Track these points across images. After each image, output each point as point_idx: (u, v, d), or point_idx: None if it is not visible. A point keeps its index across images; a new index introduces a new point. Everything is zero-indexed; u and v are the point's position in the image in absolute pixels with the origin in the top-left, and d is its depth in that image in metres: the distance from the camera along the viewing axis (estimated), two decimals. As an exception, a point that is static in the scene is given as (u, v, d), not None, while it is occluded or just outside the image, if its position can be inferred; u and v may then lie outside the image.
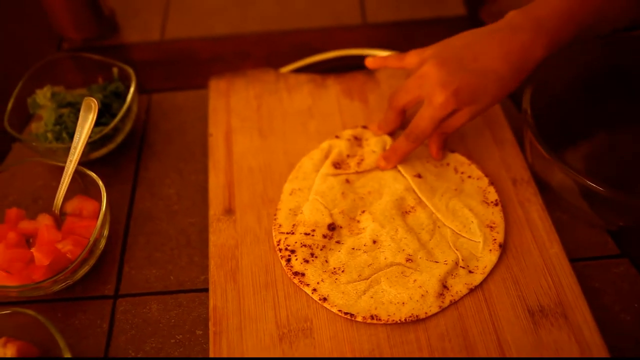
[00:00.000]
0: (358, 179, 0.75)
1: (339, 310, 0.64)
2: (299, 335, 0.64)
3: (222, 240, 0.71)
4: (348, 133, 0.79)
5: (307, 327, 0.64)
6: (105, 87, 0.85)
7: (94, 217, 0.75)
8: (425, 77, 0.70)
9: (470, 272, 0.66)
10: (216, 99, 0.86)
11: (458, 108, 0.70)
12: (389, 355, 0.62)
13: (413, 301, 0.64)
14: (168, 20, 1.04)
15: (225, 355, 0.62)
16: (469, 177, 0.74)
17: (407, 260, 0.67)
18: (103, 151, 0.82)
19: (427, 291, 0.65)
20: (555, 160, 0.67)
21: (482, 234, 0.68)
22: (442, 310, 0.64)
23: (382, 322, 0.63)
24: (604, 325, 0.63)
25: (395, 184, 0.74)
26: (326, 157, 0.77)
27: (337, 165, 0.75)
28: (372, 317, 0.64)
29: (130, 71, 0.84)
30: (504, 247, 0.68)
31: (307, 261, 0.68)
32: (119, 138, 0.82)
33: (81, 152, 0.74)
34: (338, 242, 0.70)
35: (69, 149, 0.77)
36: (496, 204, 0.71)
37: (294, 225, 0.71)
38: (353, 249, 0.69)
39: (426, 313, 0.64)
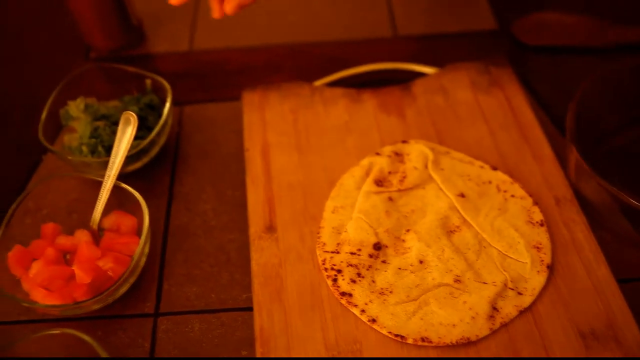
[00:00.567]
0: (400, 197, 0.74)
1: (389, 332, 0.64)
2: (348, 358, 0.63)
3: (265, 258, 0.71)
4: (388, 149, 0.78)
5: (356, 349, 0.63)
6: (139, 100, 0.84)
7: (132, 233, 0.74)
8: None
9: (519, 293, 0.66)
10: (250, 112, 0.85)
11: None
12: (441, 379, 0.61)
13: (464, 323, 0.64)
14: (196, 30, 1.03)
15: (275, 378, 0.62)
16: (512, 196, 0.74)
17: (455, 281, 0.67)
18: (137, 165, 0.81)
19: (477, 313, 0.64)
20: (602, 180, 0.67)
21: (529, 255, 0.68)
22: (493, 332, 0.64)
23: (433, 344, 0.63)
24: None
25: (438, 202, 0.73)
26: (367, 174, 0.76)
27: (379, 182, 0.75)
28: (422, 339, 0.63)
29: (165, 84, 0.83)
30: (551, 269, 0.68)
31: (354, 281, 0.67)
32: (154, 151, 0.81)
33: (120, 166, 0.73)
34: (384, 261, 0.69)
35: (104, 163, 0.76)
36: (541, 224, 0.71)
37: (338, 244, 0.70)
38: (400, 269, 0.68)
39: (477, 335, 0.63)
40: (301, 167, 0.79)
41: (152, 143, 0.80)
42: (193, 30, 1.03)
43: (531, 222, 0.71)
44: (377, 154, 0.78)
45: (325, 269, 0.68)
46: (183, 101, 0.91)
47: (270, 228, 0.73)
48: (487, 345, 0.63)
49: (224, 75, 0.96)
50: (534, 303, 0.66)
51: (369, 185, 0.75)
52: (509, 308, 0.65)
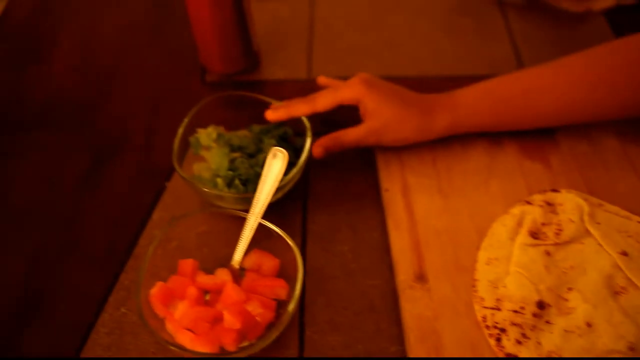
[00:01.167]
0: (558, 251, 0.70)
1: (563, 401, 0.60)
2: None
3: (419, 310, 0.67)
4: (539, 198, 0.74)
5: (527, 417, 0.60)
6: (270, 130, 0.81)
7: (274, 274, 0.70)
8: (349, 80, 0.79)
9: (699, 365, 0.62)
10: (385, 150, 0.81)
11: (362, 115, 0.78)
12: None
13: (642, 395, 0.60)
14: (313, 57, 1.00)
15: None
16: (677, 256, 0.70)
17: (629, 349, 0.63)
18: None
19: (656, 386, 0.60)
20: None
21: None
22: (673, 408, 0.60)
23: (610, 416, 0.59)
24: None
25: (599, 259, 0.69)
26: (519, 224, 0.72)
27: (534, 234, 0.71)
28: (599, 411, 0.59)
29: (303, 117, 0.79)
30: None
31: (519, 342, 0.63)
32: (288, 187, 0.78)
33: (266, 204, 0.70)
34: (548, 322, 0.65)
35: (241, 198, 0.73)
36: None
37: (497, 299, 0.67)
38: (566, 331, 0.64)
39: (657, 410, 0.59)
40: (446, 212, 0.75)
41: (291, 179, 0.76)
42: (310, 58, 1.00)
43: (702, 287, 0.67)
44: (528, 202, 0.74)
45: (487, 327, 0.65)
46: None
47: (421, 277, 0.70)
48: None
49: (346, 107, 0.92)
50: None
51: (524, 237, 0.71)
52: (690, 381, 0.61)
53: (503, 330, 0.64)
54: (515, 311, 0.65)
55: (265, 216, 0.77)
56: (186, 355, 0.63)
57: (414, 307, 0.67)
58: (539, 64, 0.80)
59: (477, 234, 0.73)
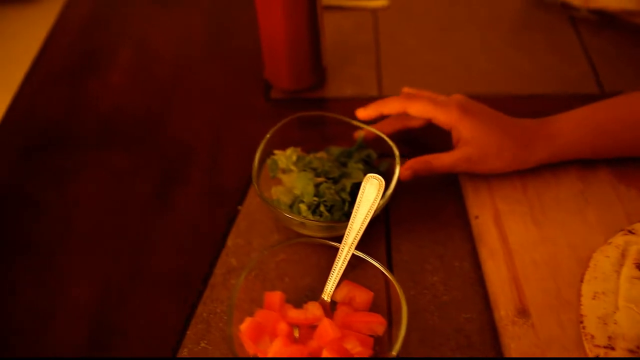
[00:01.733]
0: (666, 285, 0.67)
1: None
2: None
3: (524, 348, 0.63)
4: (642, 228, 0.71)
5: None
6: (351, 153, 0.77)
7: (367, 308, 0.66)
8: (446, 100, 0.76)
9: None
10: (472, 175, 0.78)
11: (454, 141, 0.75)
12: None
13: None
14: (382, 73, 0.96)
15: None
16: None
17: None
18: (353, 227, 0.74)
19: None
20: None
21: None
22: None
23: None
24: None
25: None
26: (623, 255, 0.69)
27: (640, 267, 0.67)
28: None
29: (389, 141, 0.75)
30: None
31: (638, 385, 0.59)
32: (375, 214, 0.74)
33: (360, 234, 0.66)
34: (666, 362, 0.61)
35: (326, 227, 0.69)
36: None
37: (609, 337, 0.63)
38: (686, 372, 0.60)
39: None
40: (542, 242, 0.71)
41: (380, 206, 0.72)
42: (379, 73, 0.96)
43: None
44: (630, 232, 0.70)
45: (602, 368, 0.61)
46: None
47: (523, 312, 0.66)
48: None
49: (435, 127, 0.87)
50: None
51: (630, 269, 0.67)
52: None
53: (620, 371, 0.60)
54: (631, 350, 0.61)
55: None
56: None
57: (518, 345, 0.63)
58: (619, 82, 0.77)
59: (577, 265, 0.69)
